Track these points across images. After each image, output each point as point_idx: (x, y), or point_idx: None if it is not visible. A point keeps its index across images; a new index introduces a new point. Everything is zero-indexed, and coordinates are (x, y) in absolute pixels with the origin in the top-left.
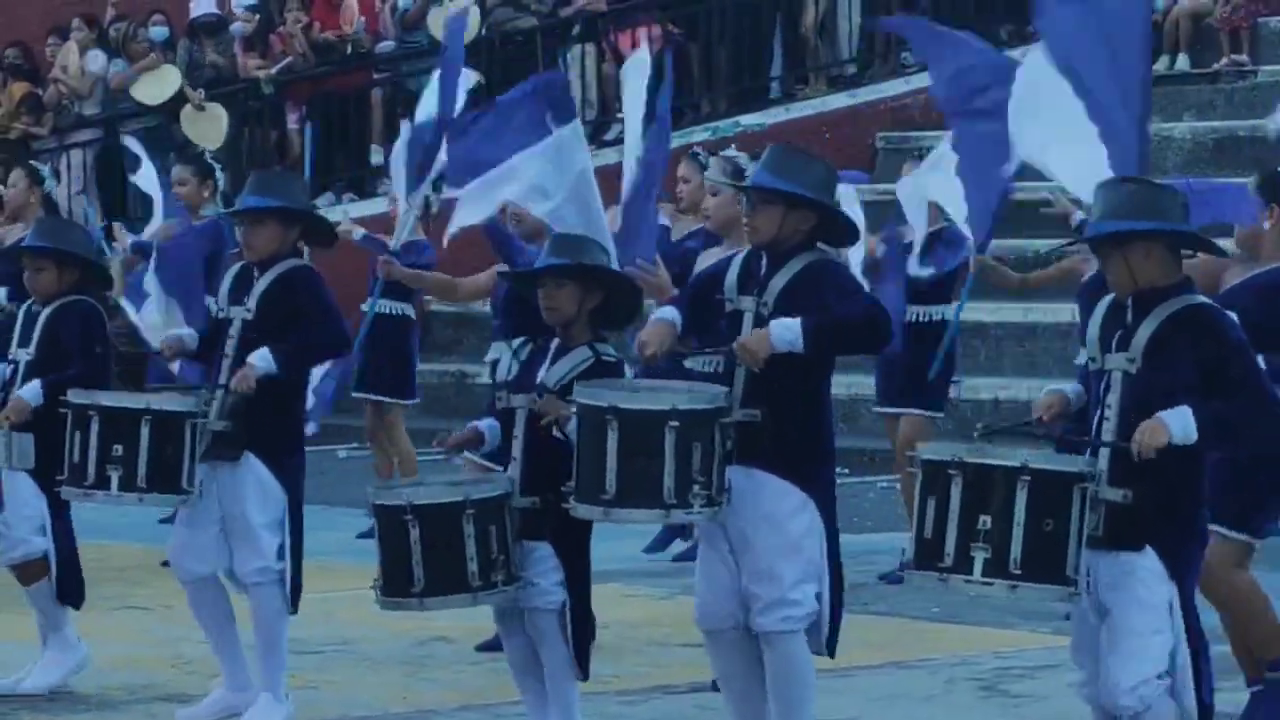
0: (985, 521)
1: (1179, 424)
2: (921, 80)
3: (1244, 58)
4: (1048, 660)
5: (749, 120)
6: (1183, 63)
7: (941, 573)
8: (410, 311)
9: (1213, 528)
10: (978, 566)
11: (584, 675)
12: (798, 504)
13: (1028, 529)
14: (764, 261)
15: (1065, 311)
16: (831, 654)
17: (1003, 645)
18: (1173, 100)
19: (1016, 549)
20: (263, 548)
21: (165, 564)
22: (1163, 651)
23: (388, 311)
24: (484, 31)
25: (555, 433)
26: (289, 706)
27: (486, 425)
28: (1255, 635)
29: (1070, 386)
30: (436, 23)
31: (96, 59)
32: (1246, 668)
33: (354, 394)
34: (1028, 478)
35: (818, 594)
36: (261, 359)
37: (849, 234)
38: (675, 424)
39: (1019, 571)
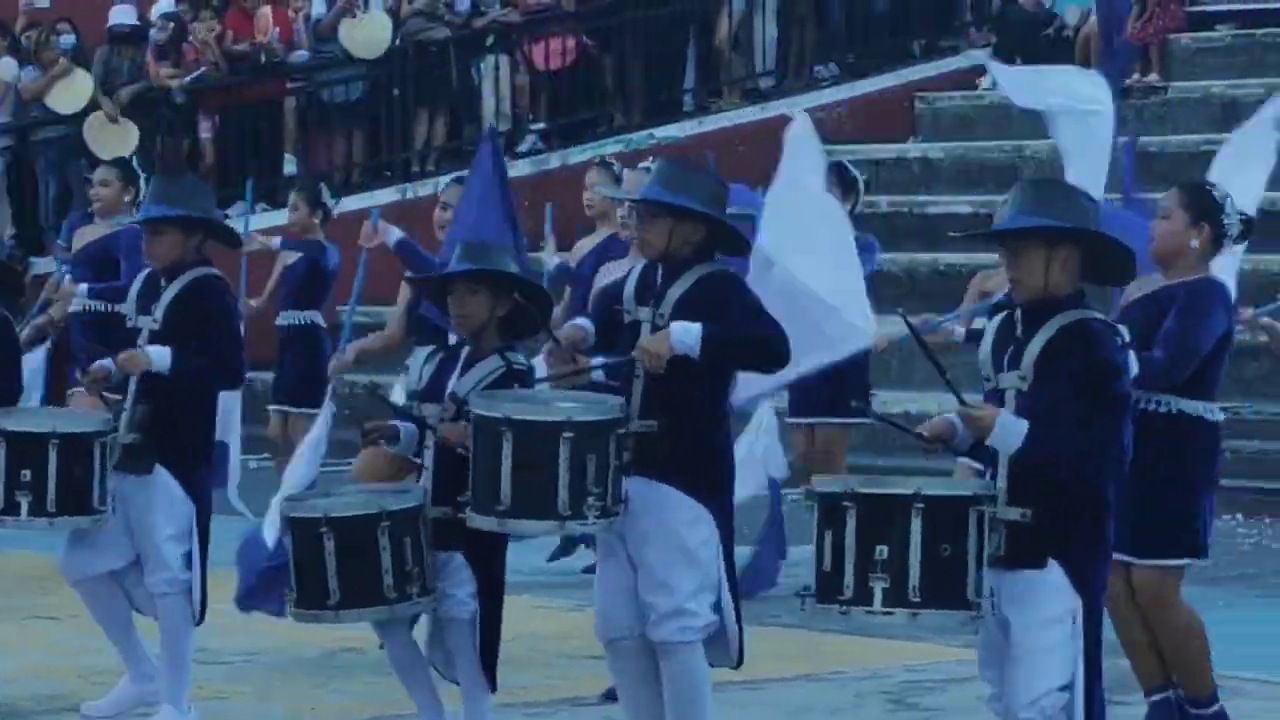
0: (882, 551)
1: (1007, 431)
2: (834, 94)
3: (1155, 75)
4: (956, 674)
5: (663, 133)
6: None
7: (842, 605)
8: (320, 320)
9: (1154, 562)
10: (878, 597)
11: (491, 687)
12: (695, 515)
13: (925, 556)
14: (660, 273)
15: (976, 324)
16: (739, 664)
17: (912, 659)
18: None
19: (915, 577)
20: (168, 559)
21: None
22: (1064, 667)
23: (297, 322)
24: (397, 42)
25: (461, 452)
26: (192, 718)
27: (404, 427)
28: (1190, 669)
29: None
30: (349, 34)
31: (8, 67)
32: (1143, 682)
33: (269, 406)
34: (921, 505)
35: (717, 605)
36: (158, 356)
37: (739, 245)
38: (569, 435)
39: (918, 599)
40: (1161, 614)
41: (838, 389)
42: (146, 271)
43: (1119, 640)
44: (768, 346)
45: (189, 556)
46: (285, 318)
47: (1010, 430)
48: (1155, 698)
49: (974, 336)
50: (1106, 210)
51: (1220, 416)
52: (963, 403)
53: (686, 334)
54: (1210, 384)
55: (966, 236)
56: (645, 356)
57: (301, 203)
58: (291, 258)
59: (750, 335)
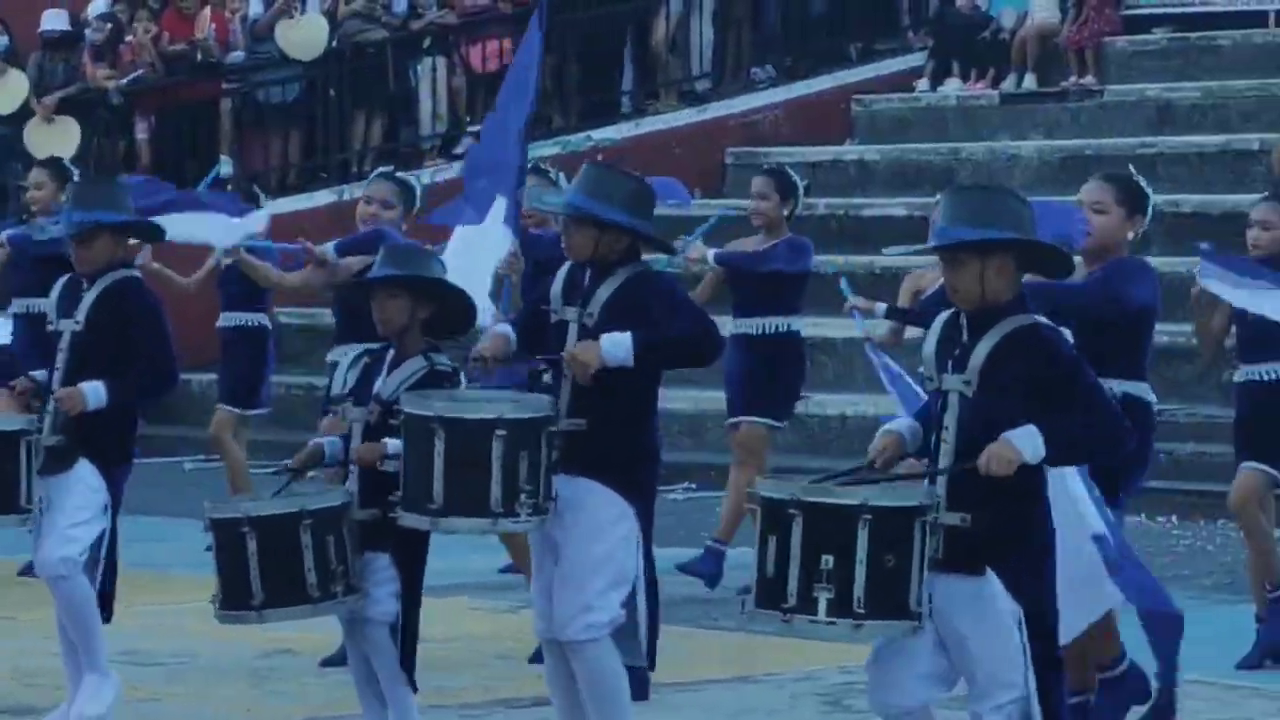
0: (828, 561)
1: (1028, 444)
2: (771, 96)
3: (1090, 78)
4: None
5: (600, 135)
6: (1030, 82)
7: (785, 613)
8: (266, 321)
9: None
10: (822, 607)
11: (412, 688)
12: (618, 513)
13: (870, 567)
14: (588, 273)
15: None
16: (651, 665)
17: (847, 660)
18: (1020, 119)
19: (860, 588)
20: (71, 538)
21: (21, 574)
22: (1018, 674)
23: (242, 323)
24: (334, 43)
25: (380, 467)
26: (115, 677)
27: (327, 441)
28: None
29: (904, 423)
30: (285, 35)
31: None
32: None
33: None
34: (869, 516)
35: (632, 603)
36: (94, 394)
37: (666, 248)
38: (502, 433)
39: (863, 610)
40: None
41: (766, 391)
42: (68, 275)
43: None
44: (698, 344)
45: (96, 545)
46: (228, 319)
47: (1030, 441)
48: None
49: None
50: (1039, 206)
51: (1153, 399)
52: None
53: (617, 346)
54: (1141, 365)
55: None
56: (574, 366)
57: None
58: (229, 259)
59: (679, 335)
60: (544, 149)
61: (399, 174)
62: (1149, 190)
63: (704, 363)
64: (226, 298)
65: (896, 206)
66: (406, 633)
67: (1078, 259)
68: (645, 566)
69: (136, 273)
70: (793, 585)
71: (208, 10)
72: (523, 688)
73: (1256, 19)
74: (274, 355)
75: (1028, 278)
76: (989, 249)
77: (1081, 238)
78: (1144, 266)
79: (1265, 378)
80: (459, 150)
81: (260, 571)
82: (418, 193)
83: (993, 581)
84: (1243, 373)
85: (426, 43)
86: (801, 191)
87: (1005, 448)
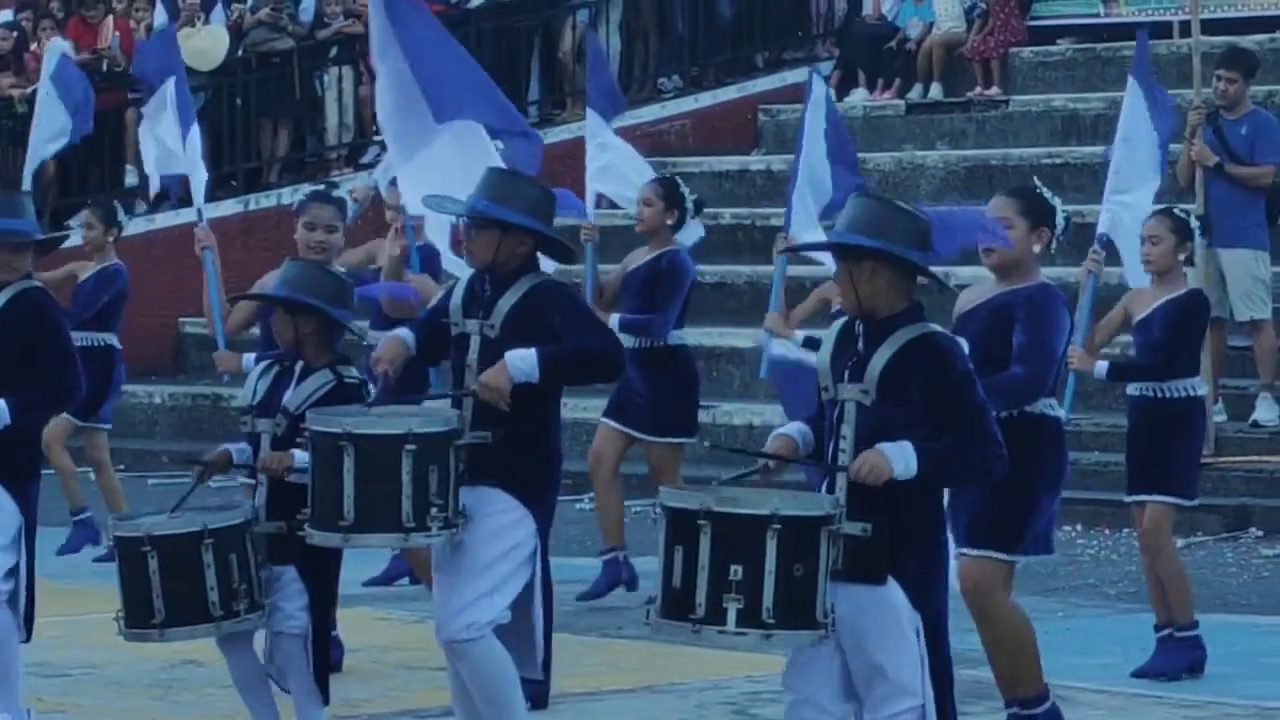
0: (737, 571)
1: (900, 459)
2: (678, 106)
3: (996, 89)
4: None
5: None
6: (936, 92)
7: (694, 624)
8: (114, 341)
9: (981, 552)
10: (731, 617)
11: (324, 700)
12: (517, 519)
13: (779, 577)
14: (488, 284)
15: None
16: (546, 674)
17: (753, 669)
18: (926, 129)
19: (769, 598)
20: None
21: None
22: (915, 683)
23: (89, 343)
24: (241, 53)
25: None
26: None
27: (237, 449)
28: (1015, 667)
29: (795, 428)
30: (185, 44)
31: None
32: (1005, 692)
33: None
34: (778, 526)
35: (524, 613)
36: None
37: (567, 253)
38: (411, 448)
39: (772, 620)
40: (988, 609)
41: (670, 409)
42: None
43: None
44: (603, 360)
45: (14, 570)
46: (83, 339)
47: (900, 454)
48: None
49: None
50: (950, 214)
51: (1062, 413)
52: (833, 467)
53: (523, 362)
54: (1052, 382)
55: (796, 249)
56: (488, 393)
57: (96, 221)
58: (85, 273)
59: (584, 350)
60: None
61: (325, 188)
62: (1055, 202)
63: (609, 379)
64: (75, 316)
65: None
66: (317, 647)
67: (987, 272)
68: (542, 576)
69: (38, 284)
70: (701, 596)
71: (112, 19)
72: (429, 698)
73: (1161, 30)
74: (123, 374)
75: None
76: (858, 256)
77: (992, 243)
78: (1051, 296)
79: (1158, 394)
80: (366, 159)
81: (162, 590)
82: (349, 208)
83: (894, 590)
84: (1136, 387)
85: (333, 52)
86: (690, 204)
87: (878, 459)
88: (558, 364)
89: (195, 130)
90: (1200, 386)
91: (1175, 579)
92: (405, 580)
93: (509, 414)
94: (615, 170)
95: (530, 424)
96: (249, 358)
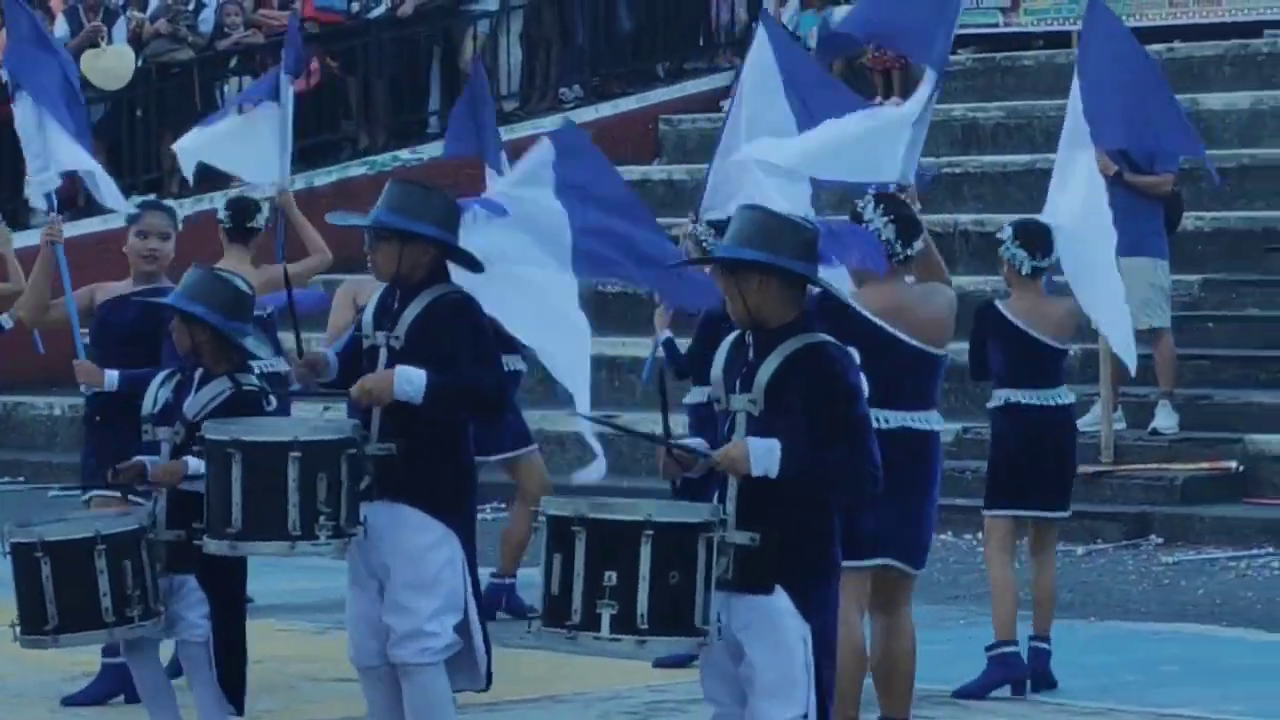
0: (611, 577)
1: (762, 457)
2: (579, 116)
3: (896, 98)
4: (699, 694)
5: (407, 155)
6: None
7: (570, 630)
8: None
9: (894, 563)
10: (605, 623)
11: (238, 709)
12: (438, 537)
13: (654, 583)
14: (397, 297)
15: None
16: (488, 686)
17: (655, 679)
18: None
19: (643, 604)
20: None
21: None
22: (802, 694)
23: None
24: (141, 63)
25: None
26: None
27: (150, 460)
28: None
29: (698, 442)
30: (91, 65)
31: None
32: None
33: None
34: (651, 532)
35: (463, 626)
36: None
37: (473, 264)
38: (297, 455)
39: (646, 626)
40: (895, 621)
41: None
42: None
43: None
44: (487, 398)
45: None
46: None
47: (764, 452)
48: None
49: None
50: (842, 229)
51: (940, 426)
52: (687, 452)
53: (410, 384)
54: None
55: (686, 264)
56: (365, 396)
57: None
58: None
59: (470, 385)
60: (350, 170)
61: (155, 197)
62: (913, 212)
63: (488, 417)
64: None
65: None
66: (225, 655)
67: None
68: (472, 589)
69: None
70: (577, 602)
71: (5, 31)
72: (331, 709)
73: (1061, 39)
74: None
75: None
76: (744, 268)
77: (879, 266)
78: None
79: (1024, 402)
80: None
81: (55, 596)
82: (178, 217)
83: (782, 599)
84: (999, 397)
85: (233, 62)
86: None
87: (738, 452)
88: (443, 395)
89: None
90: (1012, 396)
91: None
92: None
93: (415, 425)
94: None
95: (438, 436)
96: (112, 374)
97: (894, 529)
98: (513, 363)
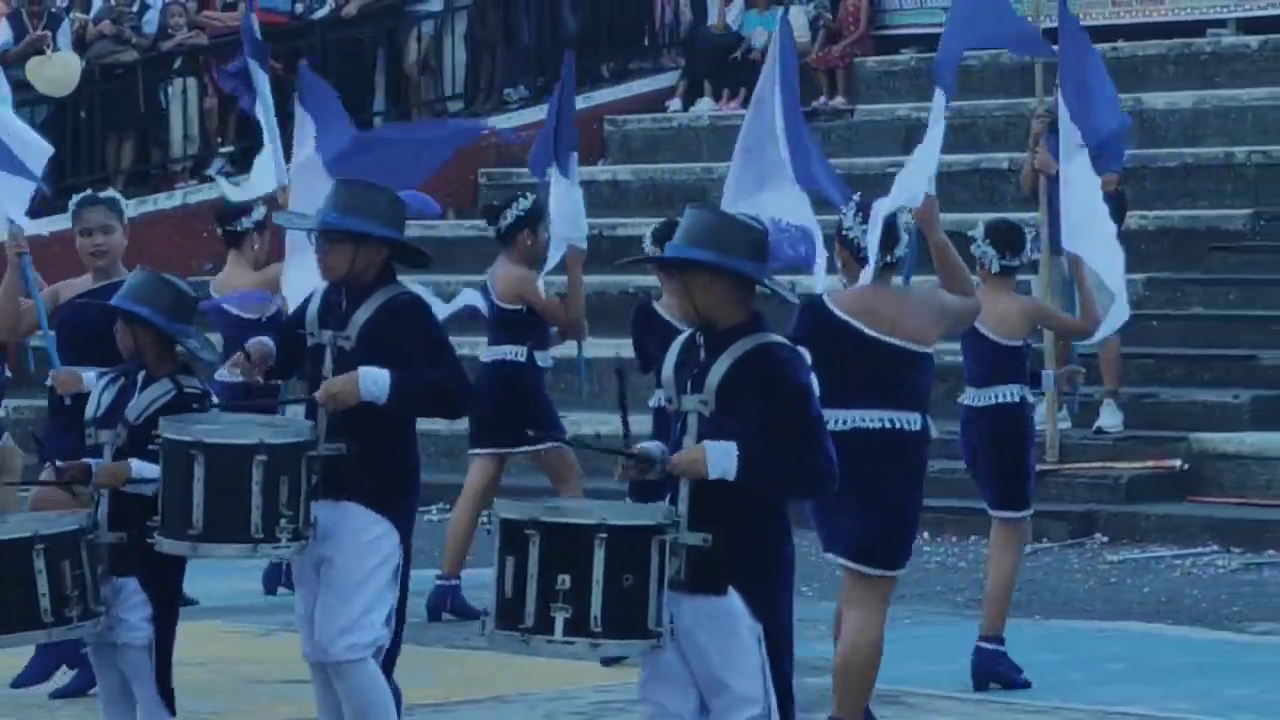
0: (564, 581)
1: (720, 460)
2: (523, 117)
3: (841, 98)
4: None
5: None
6: None
7: (523, 634)
8: None
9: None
10: (559, 627)
11: (172, 711)
12: (380, 533)
13: (607, 586)
14: (344, 295)
15: None
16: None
17: (602, 679)
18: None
19: (597, 607)
20: None
21: None
22: (759, 693)
23: None
24: (85, 64)
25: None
26: None
27: (96, 462)
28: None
29: (655, 445)
30: (37, 72)
31: None
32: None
33: None
34: (605, 535)
35: (390, 620)
36: None
37: (424, 260)
38: (262, 458)
39: (599, 629)
40: (870, 623)
41: (522, 419)
42: None
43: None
44: (451, 396)
45: None
46: None
47: (721, 455)
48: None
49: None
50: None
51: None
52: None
53: (375, 384)
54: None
55: (631, 261)
56: (330, 400)
57: None
58: None
59: (435, 384)
60: None
61: (92, 190)
62: (895, 220)
63: (451, 416)
64: None
65: (650, 227)
66: (161, 658)
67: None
68: (400, 587)
69: None
70: (530, 605)
71: None
72: (276, 711)
73: None
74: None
75: None
76: (692, 268)
77: (812, 260)
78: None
79: (979, 403)
80: (210, 171)
81: None
82: (122, 206)
83: (735, 599)
84: (970, 395)
85: (177, 64)
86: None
87: (696, 455)
88: (408, 393)
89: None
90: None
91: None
92: None
93: (363, 426)
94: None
95: (386, 437)
96: (89, 375)
97: (851, 528)
98: (543, 359)
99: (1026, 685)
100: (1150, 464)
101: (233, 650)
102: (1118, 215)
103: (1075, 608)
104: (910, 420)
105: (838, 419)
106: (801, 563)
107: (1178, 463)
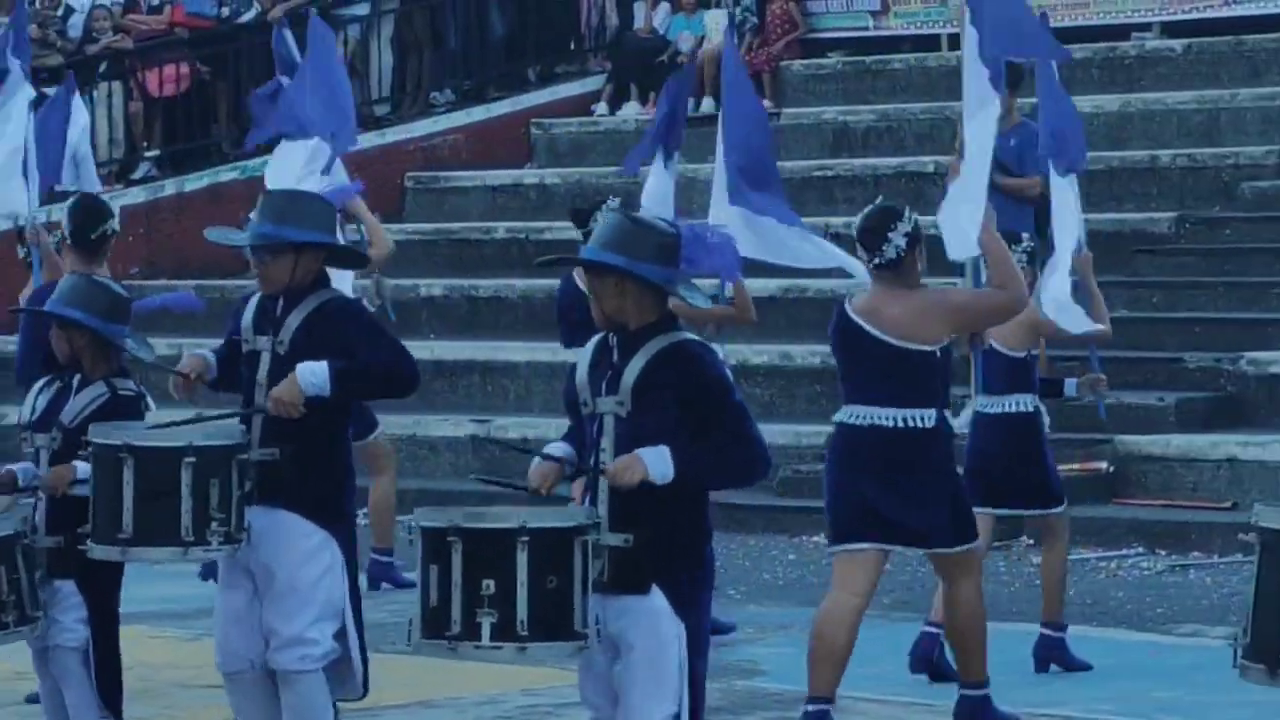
0: (489, 586)
1: (658, 464)
2: (451, 120)
3: (768, 101)
4: (572, 697)
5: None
6: (708, 105)
7: (450, 641)
8: None
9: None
10: (485, 632)
11: (117, 715)
12: (319, 542)
13: (532, 589)
14: (280, 301)
15: None
16: (364, 693)
17: (530, 683)
18: (702, 141)
19: (522, 610)
20: None
21: None
22: (676, 692)
23: None
24: None
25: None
26: None
27: (20, 468)
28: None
29: (561, 448)
30: None
31: None
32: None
33: None
34: (526, 538)
35: (341, 633)
36: None
37: (359, 260)
38: (192, 460)
39: (526, 632)
40: (968, 594)
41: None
42: None
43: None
44: (395, 374)
45: None
46: None
47: (658, 459)
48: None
49: None
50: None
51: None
52: (588, 470)
53: (315, 375)
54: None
55: (550, 261)
56: (279, 407)
57: None
58: None
59: (376, 365)
60: (221, 175)
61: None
62: (874, 224)
63: (402, 393)
64: None
65: (577, 231)
66: (101, 661)
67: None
68: (351, 595)
69: None
70: (456, 612)
71: None
72: (203, 715)
73: (929, 43)
74: None
75: None
76: (606, 271)
77: (731, 274)
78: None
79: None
80: (137, 175)
81: None
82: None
83: (658, 598)
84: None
85: (103, 67)
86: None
87: (634, 462)
88: (349, 378)
89: None
90: None
91: None
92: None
93: (297, 431)
94: None
95: (319, 442)
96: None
97: (901, 520)
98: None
99: (1087, 667)
100: (1076, 467)
101: (159, 655)
102: (1044, 219)
103: (1002, 610)
104: (925, 417)
105: (857, 415)
106: (731, 568)
107: (1103, 465)
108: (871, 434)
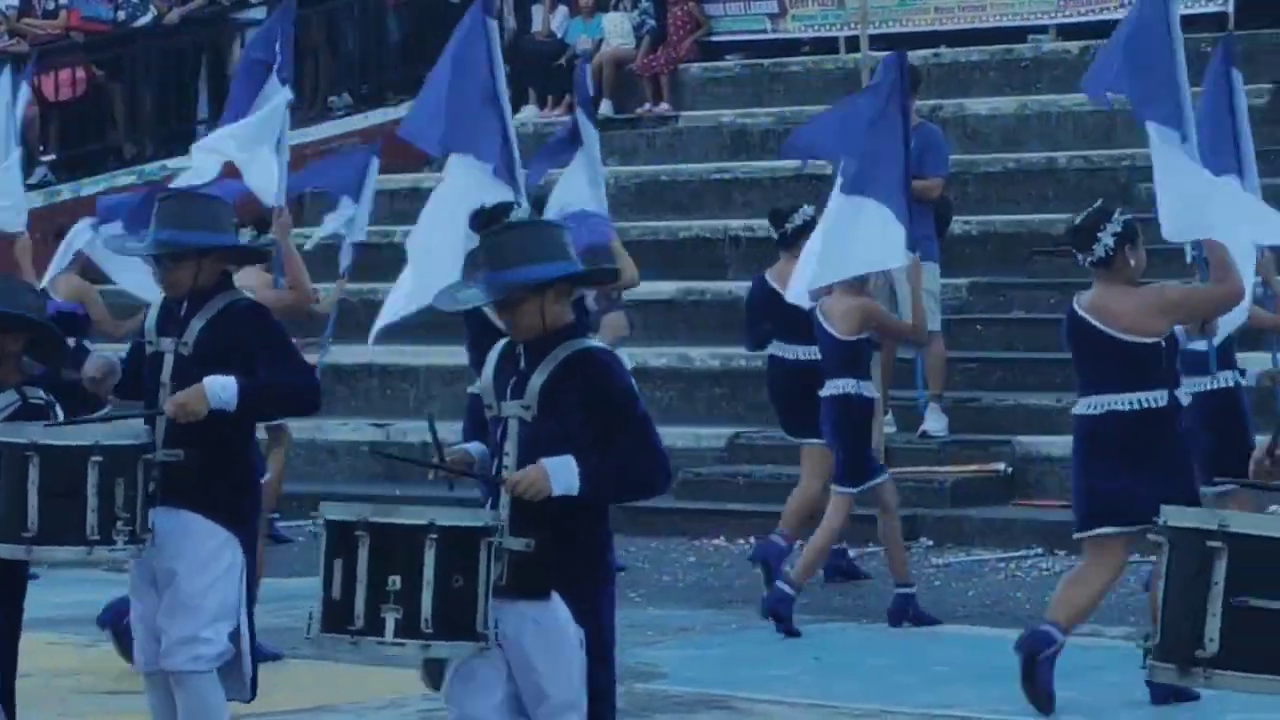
0: (395, 582)
1: (562, 476)
2: (348, 124)
3: (665, 105)
4: None
5: (176, 164)
6: (606, 108)
7: (353, 635)
8: None
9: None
10: (389, 628)
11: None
12: (221, 543)
13: (437, 587)
14: (184, 303)
15: None
16: (252, 697)
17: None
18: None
19: (428, 608)
20: None
21: None
22: (579, 695)
23: None
24: None
25: None
26: None
27: None
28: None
29: (475, 446)
30: None
31: None
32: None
33: None
34: (435, 535)
35: (235, 634)
36: None
37: (262, 257)
38: (98, 459)
39: (430, 631)
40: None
41: None
42: None
43: None
44: (300, 395)
45: None
46: None
47: (562, 469)
48: None
49: None
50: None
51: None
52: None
53: (224, 391)
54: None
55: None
56: (182, 413)
57: None
58: None
59: (283, 384)
60: (118, 179)
61: None
62: None
63: (305, 413)
64: None
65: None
66: (7, 665)
67: None
68: (246, 598)
69: None
70: (360, 607)
71: None
72: None
73: (828, 45)
74: None
75: None
76: (544, 286)
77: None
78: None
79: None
80: (33, 180)
81: None
82: None
83: (558, 605)
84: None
85: None
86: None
87: (538, 474)
88: (256, 397)
89: None
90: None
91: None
92: None
93: (201, 433)
94: None
95: (224, 444)
96: None
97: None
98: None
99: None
100: (975, 468)
101: (56, 662)
102: (944, 220)
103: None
104: (1156, 398)
105: (1094, 404)
106: (631, 570)
107: (1002, 467)
108: (1110, 420)
